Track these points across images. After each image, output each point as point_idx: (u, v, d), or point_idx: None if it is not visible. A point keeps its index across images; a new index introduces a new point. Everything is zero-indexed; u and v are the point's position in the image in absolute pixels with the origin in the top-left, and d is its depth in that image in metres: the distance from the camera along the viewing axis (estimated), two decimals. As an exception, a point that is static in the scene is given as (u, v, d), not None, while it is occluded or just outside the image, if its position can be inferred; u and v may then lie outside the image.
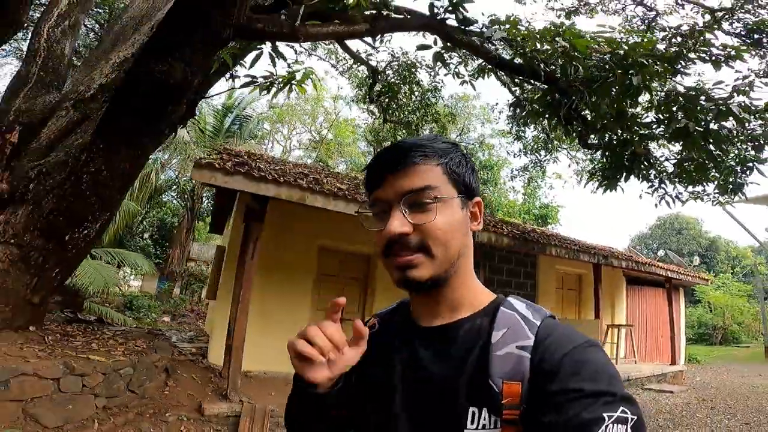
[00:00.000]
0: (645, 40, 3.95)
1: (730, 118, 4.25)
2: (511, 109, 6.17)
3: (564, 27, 3.82)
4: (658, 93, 4.69)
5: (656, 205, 5.79)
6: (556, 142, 9.89)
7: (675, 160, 5.52)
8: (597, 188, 6.07)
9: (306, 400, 0.63)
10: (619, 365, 8.30)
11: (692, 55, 4.56)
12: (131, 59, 3.72)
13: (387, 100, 7.34)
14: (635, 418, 0.49)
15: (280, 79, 3.41)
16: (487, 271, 6.93)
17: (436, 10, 3.71)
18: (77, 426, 2.83)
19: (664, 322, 10.98)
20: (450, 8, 3.61)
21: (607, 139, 5.36)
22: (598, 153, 6.22)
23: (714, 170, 5.11)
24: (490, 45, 3.88)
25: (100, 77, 4.19)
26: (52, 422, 2.73)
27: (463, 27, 3.79)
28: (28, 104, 4.35)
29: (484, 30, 3.76)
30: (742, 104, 4.28)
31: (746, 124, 4.40)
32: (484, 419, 0.56)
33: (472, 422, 0.56)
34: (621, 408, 0.49)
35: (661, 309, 11.36)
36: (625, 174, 5.47)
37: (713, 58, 4.47)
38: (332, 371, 0.61)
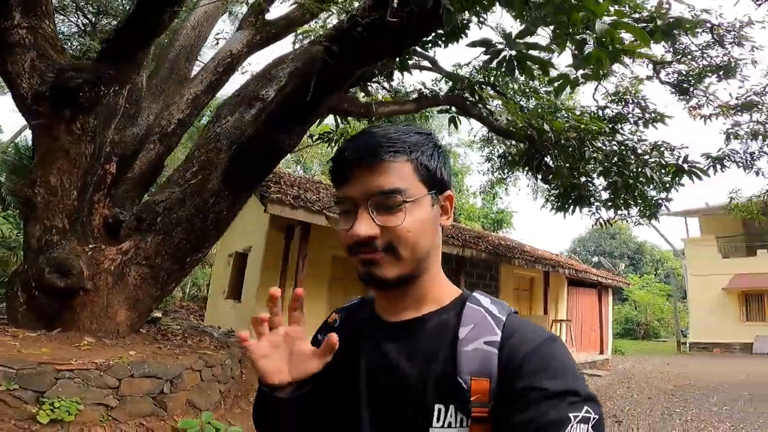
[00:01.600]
0: (596, 119, 5.66)
1: (647, 169, 6.05)
2: (500, 159, 7.81)
3: (546, 111, 5.43)
4: (604, 148, 6.43)
5: (593, 225, 7.64)
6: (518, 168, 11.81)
7: (608, 193, 7.39)
8: (551, 211, 7.85)
9: (268, 403, 0.64)
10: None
11: (630, 118, 6.42)
12: (253, 121, 4.74)
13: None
14: (597, 417, 0.50)
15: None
16: (464, 276, 8.53)
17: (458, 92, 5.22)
18: (214, 407, 3.99)
19: (596, 318, 13.30)
20: (472, 94, 5.15)
21: (562, 181, 7.11)
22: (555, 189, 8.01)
23: (634, 202, 6.97)
24: (493, 119, 5.44)
25: (178, 113, 5.25)
26: (202, 406, 3.68)
27: (477, 103, 5.33)
28: (119, 135, 5.26)
29: (494, 110, 5.31)
30: (656, 161, 6.09)
31: (660, 172, 6.20)
32: (451, 416, 0.55)
33: (438, 420, 0.55)
34: (585, 408, 0.50)
35: (594, 307, 13.66)
36: (572, 206, 7.25)
37: (644, 120, 6.31)
38: (291, 375, 0.61)
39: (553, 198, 8.19)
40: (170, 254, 4.33)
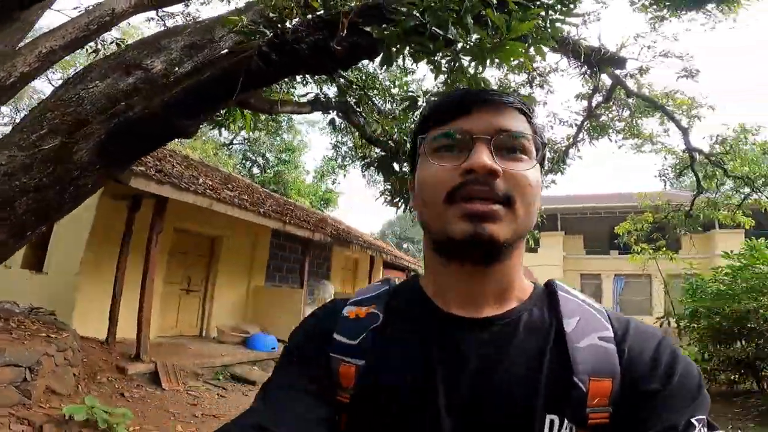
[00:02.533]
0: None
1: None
2: (365, 163, 8.47)
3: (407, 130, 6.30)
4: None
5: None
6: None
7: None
8: (384, 204, 9.04)
9: None
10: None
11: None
12: (132, 91, 4.05)
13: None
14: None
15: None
16: (311, 255, 9.01)
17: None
18: (73, 391, 3.58)
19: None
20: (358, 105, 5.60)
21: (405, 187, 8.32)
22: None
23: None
24: (367, 127, 6.02)
25: (23, 65, 4.23)
26: (63, 391, 3.40)
27: (357, 111, 5.82)
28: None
29: (370, 121, 5.87)
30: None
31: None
32: (564, 428, 0.46)
33: (554, 427, 0.46)
34: (705, 410, 0.46)
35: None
36: (404, 204, 8.57)
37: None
38: None
39: (387, 193, 9.42)
40: (8, 226, 3.55)
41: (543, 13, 2.88)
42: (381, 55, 3.04)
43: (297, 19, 3.31)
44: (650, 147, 9.23)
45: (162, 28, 6.14)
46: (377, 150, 7.65)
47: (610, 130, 8.93)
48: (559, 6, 3.18)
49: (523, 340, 0.51)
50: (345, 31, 3.00)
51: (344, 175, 13.71)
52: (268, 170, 24.44)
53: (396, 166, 7.18)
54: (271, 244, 9.50)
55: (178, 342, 6.57)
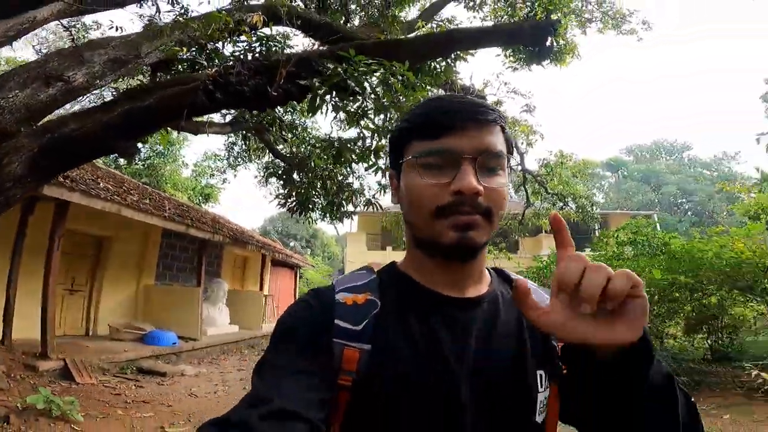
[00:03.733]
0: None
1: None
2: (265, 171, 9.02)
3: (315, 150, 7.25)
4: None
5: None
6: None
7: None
8: (279, 206, 9.81)
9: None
10: (266, 324, 12.48)
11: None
12: (51, 102, 4.13)
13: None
14: None
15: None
16: (204, 255, 9.23)
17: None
18: None
19: (291, 294, 16.36)
20: (271, 125, 6.35)
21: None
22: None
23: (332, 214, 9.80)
24: (275, 144, 6.78)
25: None
26: None
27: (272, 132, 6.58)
28: None
29: (282, 139, 6.68)
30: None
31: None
32: (545, 380, 0.59)
33: (541, 385, 0.59)
34: None
35: (289, 284, 16.70)
36: (302, 212, 9.48)
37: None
38: None
39: (281, 197, 10.20)
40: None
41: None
42: (309, 102, 4.01)
43: (238, 49, 4.08)
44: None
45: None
46: (278, 160, 8.41)
47: None
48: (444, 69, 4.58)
49: (506, 313, 0.62)
50: (282, 80, 3.90)
51: (235, 175, 13.85)
52: (139, 162, 22.65)
53: (296, 177, 8.04)
54: (161, 243, 9.48)
55: (65, 341, 6.47)
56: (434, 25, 8.38)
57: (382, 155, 4.35)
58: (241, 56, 4.28)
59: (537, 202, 11.11)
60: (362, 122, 4.23)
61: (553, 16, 6.09)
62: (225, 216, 14.60)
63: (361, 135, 4.36)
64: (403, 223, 0.68)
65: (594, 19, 8.69)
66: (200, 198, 22.95)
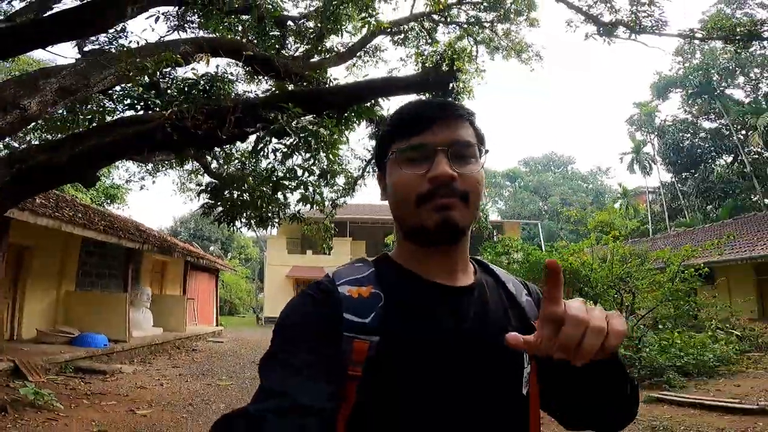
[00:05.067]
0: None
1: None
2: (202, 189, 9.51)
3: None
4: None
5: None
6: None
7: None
8: (208, 219, 10.42)
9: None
10: (190, 327, 12.77)
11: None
12: (8, 129, 4.53)
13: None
14: None
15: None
16: (131, 263, 9.47)
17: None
18: None
19: (210, 297, 16.56)
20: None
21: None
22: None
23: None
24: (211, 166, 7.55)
25: None
26: None
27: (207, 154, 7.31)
28: None
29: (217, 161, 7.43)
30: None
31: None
32: (527, 356, 0.66)
33: (525, 361, 0.66)
34: None
35: (208, 287, 16.87)
36: (229, 221, 10.19)
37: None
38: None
39: (206, 206, 10.76)
40: None
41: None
42: (254, 144, 5.02)
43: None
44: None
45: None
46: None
47: None
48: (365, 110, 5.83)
49: (494, 299, 0.70)
50: (231, 125, 4.86)
51: (153, 182, 13.78)
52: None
53: (226, 193, 8.75)
54: (81, 251, 9.55)
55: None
56: (365, 61, 9.71)
57: (310, 186, 5.49)
58: (193, 100, 5.10)
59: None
60: (292, 158, 5.30)
61: (458, 63, 7.71)
62: (131, 217, 14.41)
63: (293, 169, 5.45)
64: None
65: (500, 48, 10.71)
66: (105, 199, 21.78)
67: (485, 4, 9.76)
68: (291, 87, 7.18)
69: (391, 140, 0.69)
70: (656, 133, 27.65)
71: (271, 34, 6.98)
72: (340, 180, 9.21)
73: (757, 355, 7.54)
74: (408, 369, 0.61)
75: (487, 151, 0.70)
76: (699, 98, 24.56)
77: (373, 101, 6.84)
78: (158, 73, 5.37)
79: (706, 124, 26.10)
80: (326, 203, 7.83)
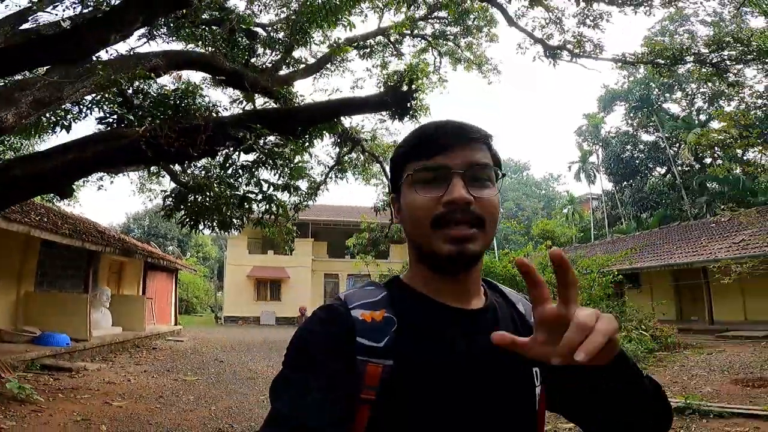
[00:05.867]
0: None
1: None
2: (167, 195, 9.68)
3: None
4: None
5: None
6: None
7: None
8: (176, 223, 10.64)
9: None
10: (148, 326, 12.81)
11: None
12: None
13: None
14: None
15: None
16: (92, 265, 9.54)
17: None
18: None
19: (168, 296, 16.51)
20: None
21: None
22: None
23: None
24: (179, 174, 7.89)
25: None
26: None
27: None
28: None
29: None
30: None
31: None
32: (539, 375, 0.68)
33: (537, 380, 0.67)
34: None
35: (167, 287, 16.79)
36: (194, 225, 10.46)
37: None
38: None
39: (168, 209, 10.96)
40: None
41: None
42: (223, 161, 5.47)
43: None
44: (375, 182, 13.87)
45: None
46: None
47: (350, 170, 12.94)
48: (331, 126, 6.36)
49: (505, 321, 0.71)
50: (202, 143, 5.29)
51: (111, 182, 13.65)
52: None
53: (191, 198, 8.96)
54: (40, 252, 9.53)
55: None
56: (332, 71, 10.20)
57: (273, 202, 5.97)
58: (165, 115, 5.41)
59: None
60: (256, 174, 5.77)
61: (417, 82, 8.41)
62: (83, 215, 14.20)
63: (260, 183, 5.89)
64: (406, 240, 0.73)
65: (463, 59, 11.54)
66: (52, 194, 21.03)
67: (450, 18, 10.51)
68: (259, 99, 7.61)
69: (407, 161, 0.69)
70: (600, 144, 29.70)
71: (241, 44, 7.34)
72: (303, 185, 9.56)
73: (663, 354, 8.69)
74: (421, 392, 0.61)
75: (504, 175, 0.70)
76: (640, 112, 26.42)
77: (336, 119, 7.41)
78: (131, 88, 5.64)
79: (645, 137, 28.23)
80: (289, 210, 8.20)
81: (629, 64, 11.64)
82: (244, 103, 7.73)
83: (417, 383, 0.61)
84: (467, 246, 0.63)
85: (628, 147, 28.11)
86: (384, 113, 9.77)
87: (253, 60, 7.54)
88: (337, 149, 10.22)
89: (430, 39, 11.35)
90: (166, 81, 7.09)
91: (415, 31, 11.01)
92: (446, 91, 11.65)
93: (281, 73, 7.95)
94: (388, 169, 11.25)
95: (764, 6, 9.42)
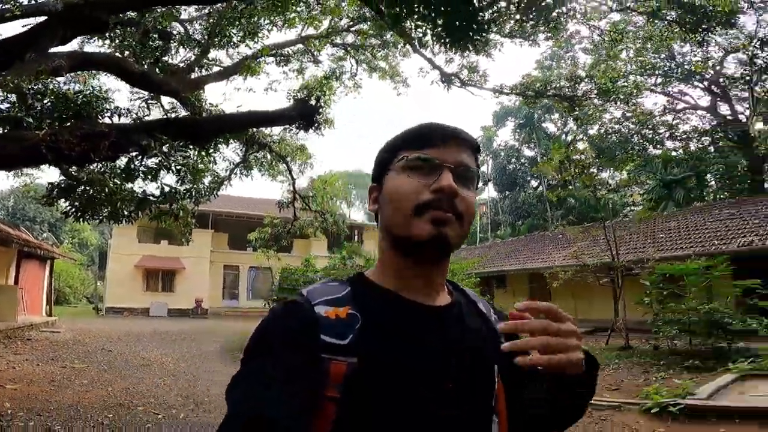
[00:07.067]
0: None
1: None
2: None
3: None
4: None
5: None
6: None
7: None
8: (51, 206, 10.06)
9: None
10: (21, 317, 11.84)
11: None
12: None
13: None
14: None
15: None
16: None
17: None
18: None
19: (41, 285, 15.19)
20: None
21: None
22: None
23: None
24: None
25: None
26: None
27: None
28: None
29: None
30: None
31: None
32: (498, 372, 0.70)
33: (497, 376, 0.70)
34: None
35: (39, 275, 15.42)
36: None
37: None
38: None
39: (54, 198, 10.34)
40: None
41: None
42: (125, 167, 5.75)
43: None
44: (281, 179, 14.27)
45: None
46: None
47: (257, 168, 13.19)
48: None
49: (470, 317, 0.73)
50: (104, 149, 5.48)
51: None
52: None
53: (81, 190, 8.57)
54: None
55: None
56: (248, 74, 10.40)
57: (175, 204, 6.36)
58: (66, 119, 5.45)
59: (305, 216, 14.30)
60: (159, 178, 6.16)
61: (324, 98, 9.19)
62: None
63: (162, 190, 6.22)
64: (378, 230, 0.73)
65: (378, 69, 12.45)
66: None
67: (371, 31, 11.35)
68: (167, 100, 7.78)
69: (398, 150, 0.71)
70: (491, 155, 33.09)
71: (152, 46, 7.44)
72: (206, 180, 9.79)
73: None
74: (387, 389, 0.61)
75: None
76: (524, 129, 30.11)
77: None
78: (31, 88, 5.55)
79: (527, 152, 32.07)
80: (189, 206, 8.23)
81: (504, 94, 13.74)
82: (152, 105, 7.80)
83: (381, 380, 0.61)
84: (446, 230, 0.65)
85: (513, 160, 31.87)
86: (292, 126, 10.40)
87: (166, 58, 7.63)
88: (245, 148, 10.62)
89: (349, 48, 12.08)
90: (69, 80, 6.87)
91: (336, 40, 11.61)
92: (360, 96, 12.34)
93: (194, 76, 8.17)
94: (289, 168, 11.84)
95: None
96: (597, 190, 13.06)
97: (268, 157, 12.31)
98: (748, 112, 18.78)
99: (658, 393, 5.16)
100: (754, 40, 15.63)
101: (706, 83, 19.49)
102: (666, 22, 6.75)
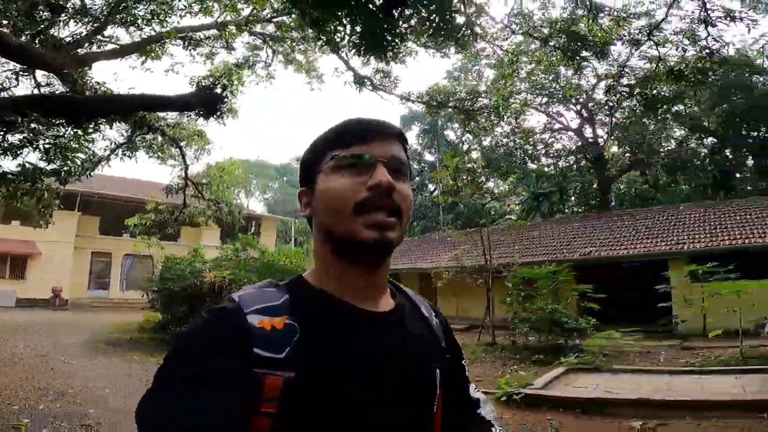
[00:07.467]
0: None
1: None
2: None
3: None
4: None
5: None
6: None
7: None
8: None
9: None
10: None
11: None
12: None
13: None
14: None
15: None
16: None
17: None
18: None
19: None
20: None
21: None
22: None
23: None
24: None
25: None
26: None
27: None
28: None
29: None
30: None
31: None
32: (440, 373, 0.71)
33: (438, 378, 0.71)
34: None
35: None
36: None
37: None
38: None
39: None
40: None
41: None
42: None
43: None
44: (172, 163, 13.10)
45: None
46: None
47: (143, 149, 11.94)
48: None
49: (412, 322, 0.73)
50: None
51: None
52: None
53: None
54: None
55: None
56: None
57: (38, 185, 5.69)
58: None
59: (196, 204, 13.43)
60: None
61: (231, 88, 8.77)
62: None
63: (24, 167, 5.53)
64: (314, 235, 0.71)
65: (294, 62, 11.69)
66: None
67: (293, 24, 10.98)
68: (42, 74, 6.81)
69: (326, 151, 0.68)
70: (395, 158, 34.45)
71: (39, 18, 6.46)
72: (78, 159, 8.74)
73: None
74: (323, 397, 0.58)
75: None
76: (428, 134, 31.65)
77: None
78: None
79: (428, 157, 33.52)
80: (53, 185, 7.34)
81: (411, 102, 14.51)
82: (23, 77, 6.82)
83: (317, 388, 0.58)
84: (387, 233, 0.64)
85: (414, 164, 33.51)
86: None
87: (52, 31, 6.72)
88: (131, 130, 9.71)
89: (267, 39, 11.56)
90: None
91: (255, 28, 11.04)
92: (272, 86, 11.85)
93: (83, 52, 7.28)
94: (183, 153, 11.16)
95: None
96: (483, 197, 14.44)
97: (159, 140, 11.43)
98: (606, 136, 22.35)
99: (508, 384, 5.94)
100: (618, 69, 18.35)
101: (578, 107, 22.23)
102: (552, 48, 7.78)
